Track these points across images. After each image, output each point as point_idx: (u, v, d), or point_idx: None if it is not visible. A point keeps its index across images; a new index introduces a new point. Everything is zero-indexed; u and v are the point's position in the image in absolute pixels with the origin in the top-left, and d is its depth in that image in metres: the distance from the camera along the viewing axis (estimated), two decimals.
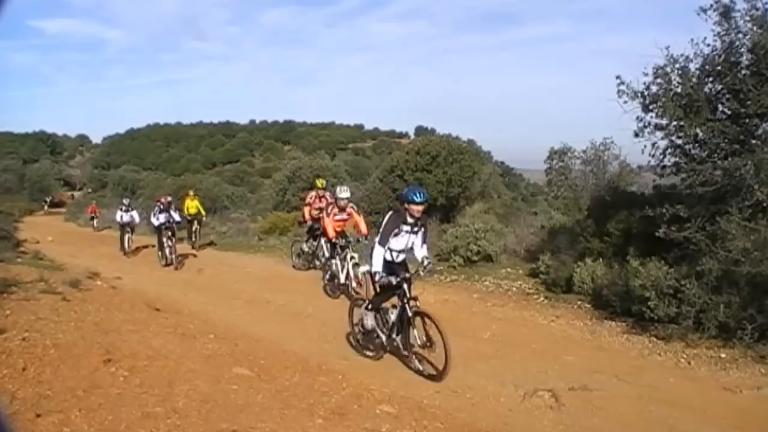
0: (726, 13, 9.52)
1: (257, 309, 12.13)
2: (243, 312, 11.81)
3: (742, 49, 9.48)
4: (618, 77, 10.42)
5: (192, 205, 24.14)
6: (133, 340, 7.80)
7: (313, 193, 15.73)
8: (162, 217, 18.96)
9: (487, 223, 16.20)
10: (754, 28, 9.28)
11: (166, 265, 18.24)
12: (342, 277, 12.78)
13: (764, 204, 8.73)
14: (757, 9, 9.21)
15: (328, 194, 15.06)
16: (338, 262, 12.99)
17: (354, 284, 12.55)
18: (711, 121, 9.60)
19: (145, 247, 22.82)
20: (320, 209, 14.63)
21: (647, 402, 7.15)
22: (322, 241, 14.54)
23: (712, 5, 9.56)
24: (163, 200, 19.78)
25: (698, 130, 9.80)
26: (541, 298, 12.09)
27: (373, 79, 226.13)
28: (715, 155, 9.63)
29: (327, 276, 13.38)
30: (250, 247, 23.42)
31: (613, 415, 6.79)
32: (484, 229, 15.26)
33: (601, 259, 11.54)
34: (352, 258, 12.65)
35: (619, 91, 10.40)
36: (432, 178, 21.06)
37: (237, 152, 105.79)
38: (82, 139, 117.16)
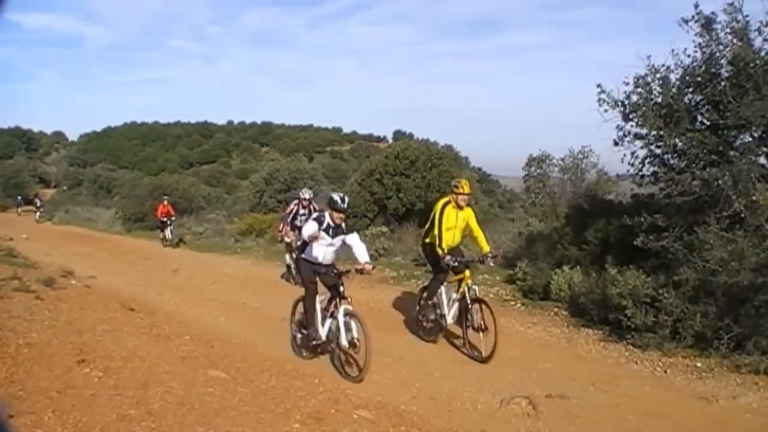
0: (707, 25, 9.59)
1: (233, 311, 12.07)
2: (219, 313, 11.76)
3: (722, 61, 9.56)
4: (599, 86, 10.46)
5: None
6: (108, 341, 7.68)
7: None
8: None
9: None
10: (735, 41, 9.36)
11: None
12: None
13: (742, 215, 8.80)
14: (738, 21, 9.29)
15: None
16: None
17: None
18: (690, 131, 9.66)
19: None
20: None
21: (624, 410, 7.17)
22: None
23: (693, 17, 9.63)
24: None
25: (677, 140, 9.86)
26: (518, 305, 12.11)
27: (354, 83, 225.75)
28: (694, 165, 9.70)
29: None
30: (226, 249, 23.24)
31: (590, 424, 6.80)
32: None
33: (578, 267, 11.56)
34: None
35: (599, 100, 10.43)
36: (410, 182, 21.02)
37: (214, 153, 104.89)
38: (58, 136, 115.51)
